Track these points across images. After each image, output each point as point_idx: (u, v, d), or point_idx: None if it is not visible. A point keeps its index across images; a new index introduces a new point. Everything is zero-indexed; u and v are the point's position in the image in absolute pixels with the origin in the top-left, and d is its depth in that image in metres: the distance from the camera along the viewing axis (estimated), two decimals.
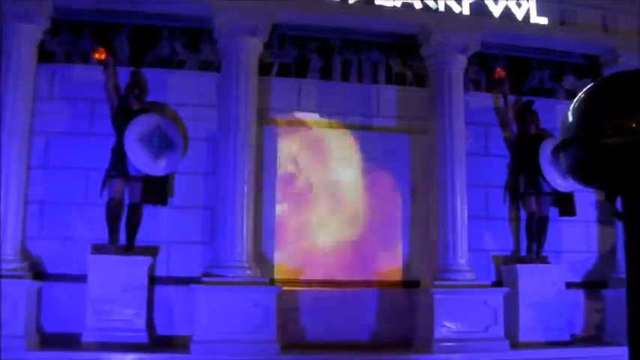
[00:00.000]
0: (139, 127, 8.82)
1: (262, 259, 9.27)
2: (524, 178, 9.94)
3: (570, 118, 2.85)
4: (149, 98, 9.38)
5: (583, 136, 2.77)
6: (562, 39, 10.31)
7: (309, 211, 9.71)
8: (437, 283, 9.09)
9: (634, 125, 2.63)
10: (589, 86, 2.93)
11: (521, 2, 10.00)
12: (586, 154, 2.78)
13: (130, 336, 8.34)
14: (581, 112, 2.83)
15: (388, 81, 10.21)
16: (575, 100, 2.90)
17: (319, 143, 9.88)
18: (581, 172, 2.90)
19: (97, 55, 8.90)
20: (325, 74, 10.03)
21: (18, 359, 7.63)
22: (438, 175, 9.45)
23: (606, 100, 2.78)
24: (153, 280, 8.93)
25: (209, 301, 8.34)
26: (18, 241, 8.51)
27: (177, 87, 9.52)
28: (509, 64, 10.59)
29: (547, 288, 9.61)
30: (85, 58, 9.32)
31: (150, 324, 8.76)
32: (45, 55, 9.17)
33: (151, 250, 9.02)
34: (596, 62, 10.74)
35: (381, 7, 9.57)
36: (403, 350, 9.21)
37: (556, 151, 2.94)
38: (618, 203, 2.86)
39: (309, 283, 9.54)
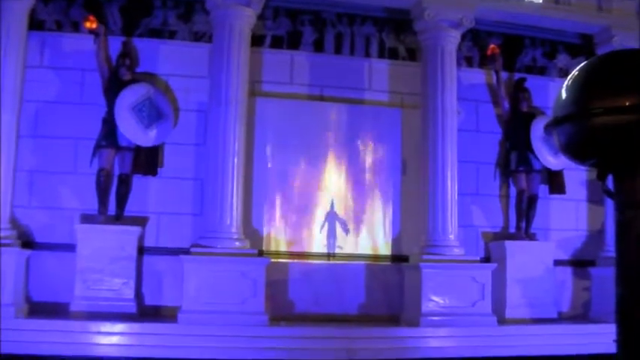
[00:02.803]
0: (129, 97, 8.79)
1: (252, 231, 9.28)
2: (515, 155, 9.95)
3: (564, 96, 2.84)
4: (140, 69, 9.34)
5: (576, 113, 2.77)
6: (556, 17, 10.27)
7: (300, 183, 9.70)
8: (426, 257, 9.12)
9: (627, 104, 2.62)
10: (583, 64, 2.92)
11: None
12: (578, 132, 2.78)
13: (118, 306, 8.37)
14: (575, 89, 2.82)
15: (381, 55, 10.17)
16: (569, 77, 2.89)
17: (311, 116, 9.85)
18: (573, 150, 2.90)
19: (87, 24, 8.82)
20: (318, 47, 9.98)
21: (6, 328, 7.62)
22: (429, 151, 9.44)
23: (600, 78, 2.77)
24: (142, 250, 8.94)
25: (198, 272, 8.35)
26: (7, 209, 8.47)
27: (168, 58, 9.47)
28: (502, 41, 10.56)
29: (535, 265, 9.67)
30: (76, 27, 9.23)
31: (138, 294, 8.79)
32: (35, 24, 9.09)
33: (141, 221, 9.02)
34: (590, 41, 10.71)
35: None
36: (391, 324, 9.28)
37: (549, 128, 2.93)
38: (609, 181, 2.87)
39: (298, 255, 9.55)
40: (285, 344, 8.33)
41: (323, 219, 9.70)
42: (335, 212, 9.74)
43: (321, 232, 9.66)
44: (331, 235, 9.69)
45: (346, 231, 9.75)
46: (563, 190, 10.19)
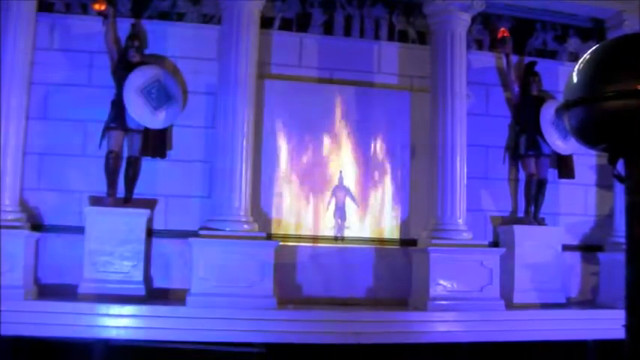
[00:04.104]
0: (138, 79, 8.77)
1: (260, 214, 9.28)
2: (524, 140, 9.91)
3: (575, 79, 2.83)
4: (149, 51, 9.32)
5: (587, 97, 2.76)
6: (568, 1, 10.20)
7: (308, 167, 9.68)
8: (434, 241, 9.10)
9: (639, 88, 2.61)
10: (594, 48, 2.90)
11: None
12: (590, 116, 2.77)
13: (127, 288, 8.38)
14: (586, 73, 2.81)
15: (390, 38, 10.13)
16: (581, 61, 2.87)
17: (320, 99, 9.81)
18: (584, 134, 2.89)
19: (96, 6, 8.80)
20: (327, 29, 9.94)
21: (15, 309, 7.67)
22: (439, 134, 9.41)
23: (611, 62, 2.76)
24: (150, 233, 8.95)
25: (206, 254, 8.36)
26: (16, 192, 8.50)
27: (177, 40, 9.43)
28: (513, 24, 10.50)
29: (543, 250, 9.64)
30: (85, 10, 9.22)
31: (147, 277, 8.80)
32: (44, 6, 9.08)
33: (149, 203, 9.02)
34: (601, 25, 10.65)
35: None
36: (398, 308, 9.28)
37: (560, 111, 2.92)
38: (620, 166, 2.85)
39: (306, 238, 9.55)
40: (293, 328, 8.36)
41: (332, 202, 9.69)
42: (344, 196, 9.73)
43: (329, 216, 9.66)
44: (340, 218, 9.68)
45: (355, 214, 9.74)
46: (573, 174, 10.15)
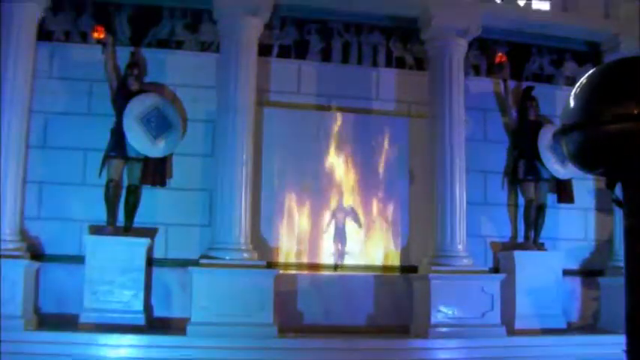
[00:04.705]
0: (137, 107, 8.79)
1: (260, 242, 9.27)
2: (523, 165, 9.91)
3: (572, 104, 2.84)
4: (148, 79, 9.36)
5: (584, 121, 2.76)
6: (563, 25, 10.26)
7: (308, 194, 9.68)
8: (434, 268, 9.08)
9: (636, 112, 2.62)
10: (591, 72, 2.92)
11: None
12: (587, 140, 2.78)
13: (127, 318, 8.34)
14: (583, 97, 2.82)
15: (388, 64, 10.16)
16: (577, 85, 2.89)
17: (318, 126, 9.84)
18: (582, 158, 2.89)
19: (96, 35, 8.85)
20: (325, 56, 9.99)
21: (16, 340, 7.62)
22: (437, 160, 9.42)
23: (607, 86, 2.77)
24: (151, 261, 8.92)
25: (206, 283, 8.33)
26: (16, 221, 8.48)
27: (176, 68, 9.47)
28: (509, 49, 10.53)
29: (544, 275, 9.60)
30: (85, 38, 9.28)
31: (147, 306, 8.76)
32: (44, 34, 9.13)
33: (150, 232, 9.00)
34: (598, 49, 10.70)
35: None
36: (400, 335, 9.24)
37: (557, 136, 2.93)
38: (618, 190, 2.86)
39: (306, 266, 9.54)
40: (294, 356, 8.32)
41: (331, 229, 9.68)
42: (343, 223, 9.72)
43: (329, 243, 9.64)
44: (340, 245, 9.66)
45: (355, 241, 9.72)
46: (572, 199, 10.15)
